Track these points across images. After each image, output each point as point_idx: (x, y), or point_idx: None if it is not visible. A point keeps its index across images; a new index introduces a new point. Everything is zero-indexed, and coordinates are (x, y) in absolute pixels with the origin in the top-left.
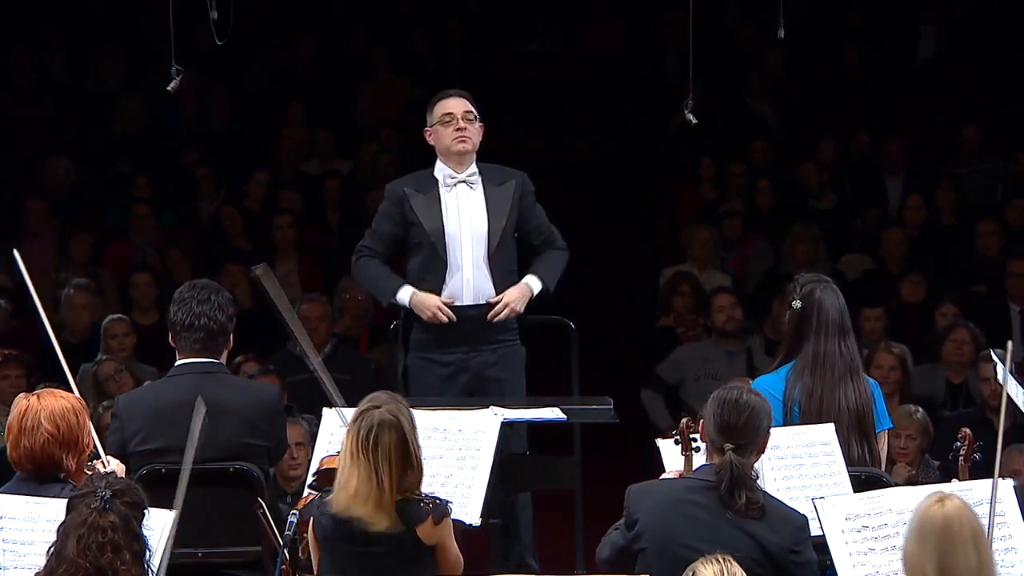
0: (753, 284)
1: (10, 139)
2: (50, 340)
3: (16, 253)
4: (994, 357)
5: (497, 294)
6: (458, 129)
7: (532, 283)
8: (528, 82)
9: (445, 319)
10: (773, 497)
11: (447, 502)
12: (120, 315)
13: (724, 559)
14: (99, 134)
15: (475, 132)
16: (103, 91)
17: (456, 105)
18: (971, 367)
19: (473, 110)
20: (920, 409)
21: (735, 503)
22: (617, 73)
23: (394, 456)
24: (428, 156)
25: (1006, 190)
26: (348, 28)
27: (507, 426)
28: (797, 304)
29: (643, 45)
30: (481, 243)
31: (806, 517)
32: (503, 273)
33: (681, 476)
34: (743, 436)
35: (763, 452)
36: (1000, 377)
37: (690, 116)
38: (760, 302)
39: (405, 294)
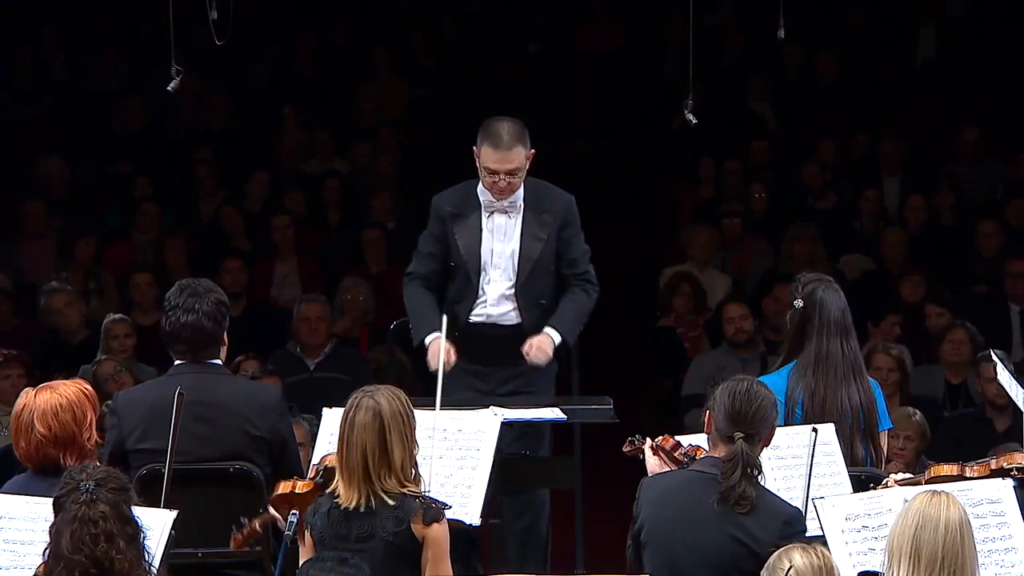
0: (753, 284)
1: (10, 139)
2: (50, 339)
3: None
4: (994, 357)
5: (524, 324)
6: (496, 188)
7: (552, 335)
8: (527, 82)
9: (435, 367)
10: (769, 491)
11: (443, 507)
12: (121, 315)
13: (818, 551)
14: (99, 134)
15: (518, 184)
16: (103, 91)
17: (500, 163)
18: (969, 367)
19: (522, 163)
20: (918, 412)
21: (732, 494)
22: (617, 73)
23: (367, 435)
24: (427, 156)
25: (1006, 190)
26: (348, 28)
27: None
28: (799, 304)
29: (643, 45)
30: (509, 272)
31: (799, 510)
32: (530, 303)
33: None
34: (752, 426)
35: (768, 445)
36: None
37: (690, 116)
38: (760, 302)
39: (429, 339)
